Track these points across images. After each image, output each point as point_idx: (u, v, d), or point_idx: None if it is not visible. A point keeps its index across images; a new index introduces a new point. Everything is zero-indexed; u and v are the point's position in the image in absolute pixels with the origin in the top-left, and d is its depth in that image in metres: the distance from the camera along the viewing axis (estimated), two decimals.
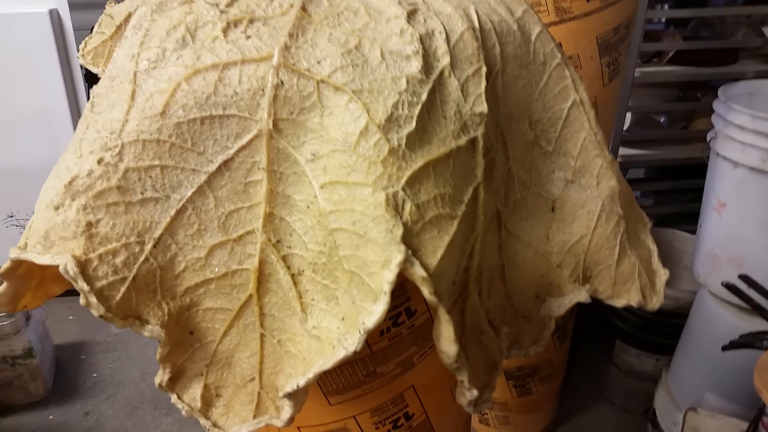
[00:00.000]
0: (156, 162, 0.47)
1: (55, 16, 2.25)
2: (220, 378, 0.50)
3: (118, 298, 0.45)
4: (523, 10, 0.60)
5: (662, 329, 1.72)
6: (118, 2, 0.85)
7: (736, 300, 1.28)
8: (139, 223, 0.47)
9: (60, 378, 2.04)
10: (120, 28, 0.78)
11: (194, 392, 0.51)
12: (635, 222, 0.66)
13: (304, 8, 0.51)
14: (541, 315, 0.61)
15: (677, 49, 1.94)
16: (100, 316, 0.44)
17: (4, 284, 0.48)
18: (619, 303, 0.61)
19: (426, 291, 0.43)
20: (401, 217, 0.44)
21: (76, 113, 2.31)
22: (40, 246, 0.46)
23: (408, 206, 0.44)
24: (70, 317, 2.32)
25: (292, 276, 0.48)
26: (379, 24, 0.51)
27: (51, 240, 0.45)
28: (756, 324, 1.25)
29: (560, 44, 0.63)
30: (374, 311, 0.42)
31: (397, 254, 0.42)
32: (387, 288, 0.41)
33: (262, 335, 0.49)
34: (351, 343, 0.43)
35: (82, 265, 0.44)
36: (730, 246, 1.37)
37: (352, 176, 0.45)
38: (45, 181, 0.50)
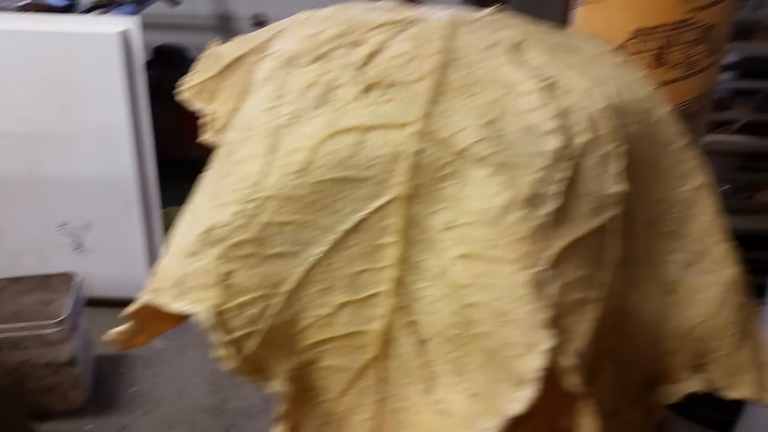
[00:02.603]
0: (294, 217, 0.47)
1: (126, 37, 2.32)
2: None
3: (251, 350, 0.45)
4: (650, 90, 0.60)
5: (718, 403, 1.65)
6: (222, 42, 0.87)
7: None
8: (273, 276, 0.46)
9: (99, 389, 2.05)
10: (227, 69, 0.79)
11: None
12: (749, 311, 0.63)
13: (440, 76, 0.52)
14: (649, 401, 0.58)
15: (747, 119, 1.91)
16: (233, 370, 0.43)
17: (130, 323, 0.49)
18: (734, 394, 0.59)
19: (574, 381, 0.41)
20: (546, 299, 0.43)
21: (137, 131, 2.37)
22: (173, 291, 0.46)
23: (553, 287, 0.43)
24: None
25: (418, 344, 0.47)
26: (516, 97, 0.51)
27: (186, 286, 0.46)
28: None
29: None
30: (519, 398, 0.40)
31: (546, 339, 0.41)
32: (534, 375, 0.40)
33: (380, 400, 0.48)
34: (491, 427, 0.41)
35: (220, 315, 0.44)
36: None
37: (494, 251, 0.44)
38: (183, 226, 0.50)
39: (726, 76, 2.41)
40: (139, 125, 2.41)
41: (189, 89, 0.85)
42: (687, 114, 1.38)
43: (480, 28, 0.60)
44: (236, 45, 0.80)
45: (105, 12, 2.57)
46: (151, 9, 3.00)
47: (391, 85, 0.51)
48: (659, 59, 1.31)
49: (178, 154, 3.44)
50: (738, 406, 1.54)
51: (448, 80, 0.52)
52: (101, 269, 2.39)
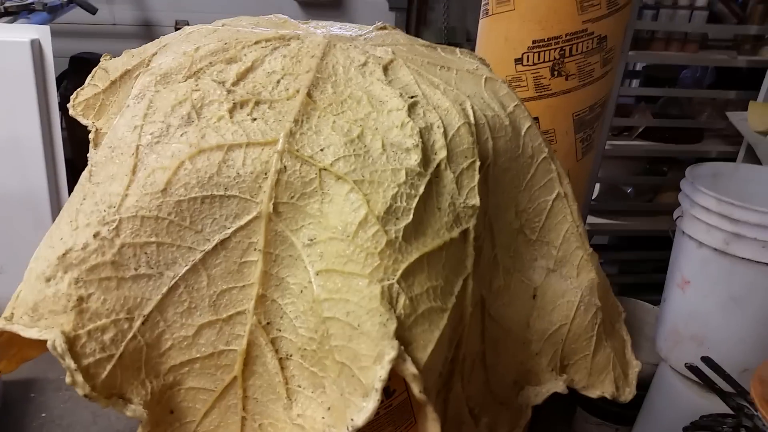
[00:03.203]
0: (153, 239, 0.47)
1: (36, 47, 2.23)
2: None
3: (103, 376, 0.44)
4: (514, 105, 0.63)
5: None
6: (114, 56, 0.86)
7: (697, 378, 1.31)
8: (130, 299, 0.46)
9: (6, 417, 1.94)
10: (114, 84, 0.78)
11: None
12: (611, 312, 0.68)
13: (309, 94, 0.53)
14: (518, 402, 0.61)
15: (647, 125, 2.03)
16: (85, 395, 0.43)
17: None
18: (594, 394, 0.63)
19: (416, 389, 0.43)
20: (395, 311, 0.45)
21: (48, 144, 2.28)
22: (27, 318, 0.45)
23: (402, 299, 0.45)
24: None
25: (280, 360, 0.48)
26: (381, 115, 0.53)
27: (40, 312, 0.45)
28: (715, 403, 1.28)
29: (537, 118, 0.66)
30: (364, 408, 0.42)
31: (390, 350, 0.42)
32: (379, 385, 0.42)
33: (243, 418, 0.49)
34: None
35: (71, 342, 0.44)
36: (692, 323, 1.40)
37: (349, 266, 0.46)
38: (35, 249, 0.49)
39: (630, 83, 2.55)
40: (52, 137, 2.31)
41: (78, 104, 0.83)
42: (584, 121, 1.45)
43: (354, 47, 0.62)
44: (124, 59, 0.80)
45: (14, 20, 2.46)
46: (68, 17, 2.88)
47: (259, 103, 0.52)
48: (556, 69, 1.38)
49: None
50: (639, 402, 1.62)
51: (317, 98, 0.53)
52: (11, 290, 2.27)
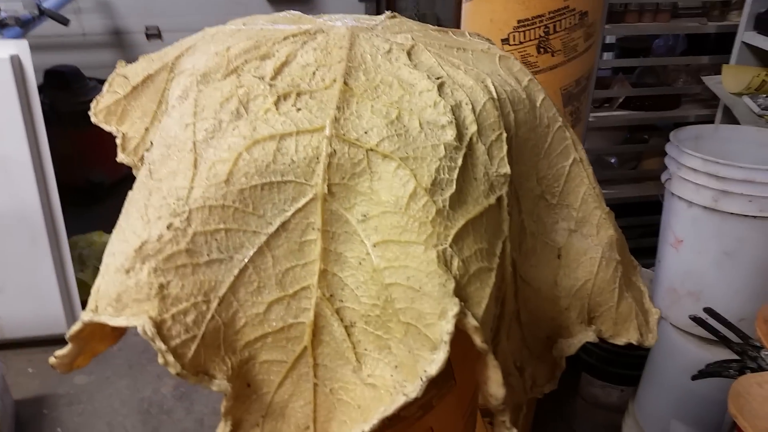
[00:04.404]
0: (221, 226, 0.51)
1: (16, 62, 2.22)
2: (275, 428, 0.53)
3: (190, 355, 0.48)
4: (528, 79, 0.68)
5: (625, 361, 1.81)
6: (129, 63, 0.88)
7: (697, 331, 1.38)
8: (206, 283, 0.50)
9: None
10: (137, 89, 0.81)
11: None
12: (628, 266, 0.73)
13: (345, 83, 0.57)
14: (553, 356, 0.66)
15: (626, 95, 2.10)
16: (177, 374, 0.47)
17: (69, 346, 0.50)
18: (621, 341, 0.68)
19: (478, 340, 0.48)
20: (451, 272, 0.49)
21: (37, 159, 2.27)
22: (111, 308, 0.48)
23: (456, 261, 0.50)
24: (30, 370, 2.23)
25: (345, 328, 0.52)
26: (413, 96, 0.57)
27: (124, 302, 0.48)
28: (716, 353, 1.35)
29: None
30: (435, 359, 0.46)
31: (453, 306, 0.47)
32: (447, 338, 0.46)
33: (315, 385, 0.53)
34: (412, 390, 0.47)
35: (158, 326, 0.47)
36: (688, 281, 1.47)
37: (404, 235, 0.50)
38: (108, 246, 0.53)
39: (606, 56, 2.62)
40: (40, 153, 2.31)
41: (99, 112, 0.86)
42: (571, 95, 1.51)
43: (376, 36, 0.66)
44: (144, 64, 0.82)
45: None
46: (37, 30, 2.86)
47: (300, 94, 0.56)
48: (542, 47, 1.43)
49: (78, 180, 3.30)
50: (641, 362, 1.70)
51: (353, 85, 0.57)
52: (12, 309, 2.27)
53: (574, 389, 1.99)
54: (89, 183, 3.35)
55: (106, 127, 0.84)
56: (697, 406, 1.49)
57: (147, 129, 0.78)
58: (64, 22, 2.94)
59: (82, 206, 3.16)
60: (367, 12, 3.50)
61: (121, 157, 0.81)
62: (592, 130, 2.13)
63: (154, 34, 3.58)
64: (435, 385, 0.71)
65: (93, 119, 0.85)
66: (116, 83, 0.85)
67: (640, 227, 2.23)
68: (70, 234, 2.35)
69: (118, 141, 0.81)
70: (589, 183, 0.68)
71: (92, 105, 0.86)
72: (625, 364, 1.82)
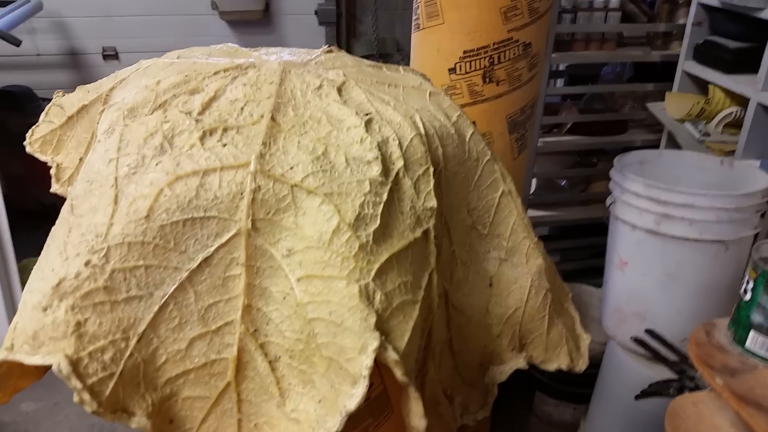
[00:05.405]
0: (141, 262, 0.50)
1: None
2: None
3: (107, 393, 0.47)
4: (457, 115, 0.70)
5: (577, 379, 1.83)
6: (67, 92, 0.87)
7: (642, 351, 1.41)
8: (124, 320, 0.50)
9: None
10: (72, 119, 0.80)
11: None
12: (559, 293, 0.75)
13: (273, 118, 0.58)
14: (485, 382, 0.67)
15: (574, 121, 2.16)
16: (93, 412, 0.46)
17: None
18: (552, 367, 0.69)
19: (398, 373, 0.48)
20: (373, 306, 0.50)
21: None
22: (28, 346, 0.48)
23: (378, 295, 0.50)
24: None
25: (270, 362, 0.52)
26: (341, 132, 0.58)
27: (40, 340, 0.47)
28: (661, 372, 1.38)
29: (474, 122, 0.73)
30: (355, 394, 0.47)
31: (373, 341, 0.48)
32: (366, 372, 0.47)
33: (240, 420, 0.53)
34: (333, 425, 0.47)
35: (75, 364, 0.47)
36: (633, 301, 1.51)
37: (327, 270, 0.51)
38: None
39: (557, 83, 2.69)
40: None
41: (35, 141, 0.85)
42: (516, 122, 1.55)
43: (308, 71, 0.67)
44: (80, 95, 0.82)
45: None
46: None
47: (227, 130, 0.57)
48: (487, 76, 1.46)
49: (29, 203, 3.22)
50: (593, 381, 1.73)
51: (281, 121, 0.58)
52: None
53: (528, 407, 2.00)
54: (41, 205, 3.26)
55: (42, 157, 0.83)
56: (644, 425, 1.52)
57: (81, 159, 0.77)
58: (16, 43, 2.89)
59: (34, 229, 3.07)
60: (327, 36, 3.53)
61: (56, 188, 0.79)
62: (543, 155, 2.19)
63: (110, 55, 3.53)
64: (371, 414, 0.72)
65: (28, 149, 0.84)
66: (52, 113, 0.84)
67: (589, 248, 2.28)
68: (20, 257, 2.28)
69: (53, 171, 0.80)
70: (518, 214, 0.70)
71: (27, 135, 0.85)
72: (578, 383, 1.84)
